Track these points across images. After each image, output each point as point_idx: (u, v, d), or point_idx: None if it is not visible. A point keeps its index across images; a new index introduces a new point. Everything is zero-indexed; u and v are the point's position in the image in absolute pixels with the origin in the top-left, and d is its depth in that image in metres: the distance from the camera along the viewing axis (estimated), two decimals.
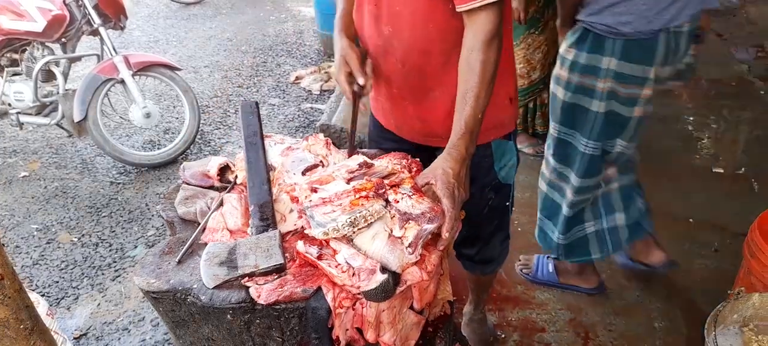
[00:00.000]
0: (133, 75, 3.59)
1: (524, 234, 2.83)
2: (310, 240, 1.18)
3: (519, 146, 3.44)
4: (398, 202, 1.23)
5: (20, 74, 3.74)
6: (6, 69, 3.69)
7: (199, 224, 1.36)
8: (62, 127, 3.80)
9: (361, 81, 1.49)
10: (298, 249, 1.16)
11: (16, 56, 3.73)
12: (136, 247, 3.13)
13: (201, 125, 4.22)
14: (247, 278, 1.17)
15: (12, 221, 3.33)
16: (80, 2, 3.56)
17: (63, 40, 3.65)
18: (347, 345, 1.25)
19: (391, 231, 1.19)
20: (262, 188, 1.31)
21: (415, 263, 1.19)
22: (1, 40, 3.58)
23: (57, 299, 2.80)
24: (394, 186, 1.26)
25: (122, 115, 3.92)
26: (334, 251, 1.14)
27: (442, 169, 1.28)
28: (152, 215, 3.36)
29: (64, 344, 2.34)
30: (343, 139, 3.91)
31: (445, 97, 1.50)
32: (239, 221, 1.36)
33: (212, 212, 1.38)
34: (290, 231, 1.28)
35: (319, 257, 1.12)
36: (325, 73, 5.20)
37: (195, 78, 5.26)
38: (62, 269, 2.97)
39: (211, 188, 1.52)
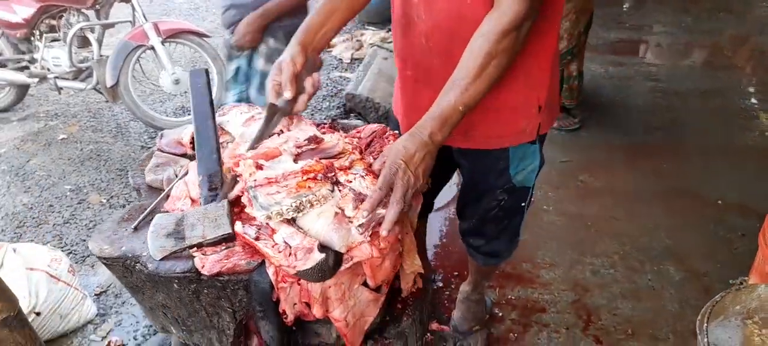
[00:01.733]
0: (162, 42, 3.67)
1: (537, 211, 2.74)
2: (250, 219, 1.17)
3: None
4: (350, 182, 1.20)
5: (58, 40, 3.89)
6: (45, 35, 3.85)
7: (164, 191, 1.37)
8: (99, 92, 3.95)
9: (287, 95, 1.30)
10: (235, 230, 1.15)
11: (54, 22, 3.87)
12: None
13: None
14: (195, 248, 1.18)
15: (49, 182, 3.52)
16: None
17: (97, 6, 3.76)
18: (297, 318, 1.25)
19: (342, 211, 1.16)
20: (210, 157, 1.31)
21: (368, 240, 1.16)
22: (38, 6, 3.72)
23: (83, 256, 2.94)
24: (344, 169, 1.22)
25: (154, 81, 4.02)
26: (273, 230, 1.12)
27: (395, 149, 1.16)
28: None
29: (84, 299, 2.47)
30: (368, 109, 3.88)
31: None
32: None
33: (177, 181, 1.39)
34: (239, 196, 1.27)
35: (257, 238, 1.11)
36: (358, 40, 5.14)
37: None
38: (90, 229, 3.12)
39: (184, 156, 1.53)
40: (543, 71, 1.35)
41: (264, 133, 1.34)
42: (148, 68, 4.03)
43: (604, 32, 4.56)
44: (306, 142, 1.30)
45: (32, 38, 3.89)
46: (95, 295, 2.71)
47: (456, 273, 2.38)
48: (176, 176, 1.42)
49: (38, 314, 2.38)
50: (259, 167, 1.20)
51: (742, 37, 4.47)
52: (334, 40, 5.22)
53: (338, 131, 1.68)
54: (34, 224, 3.07)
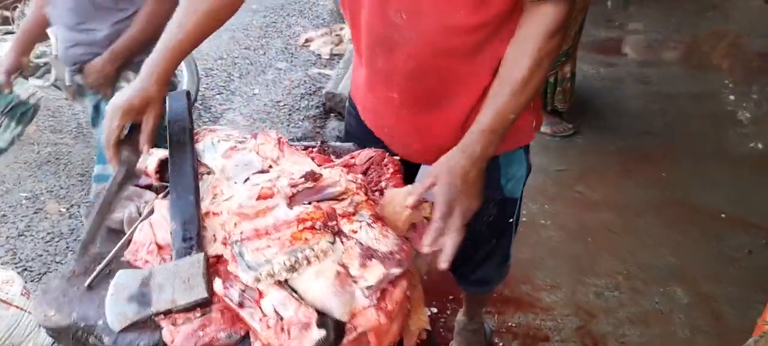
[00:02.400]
0: None
1: (533, 224, 2.58)
2: (232, 277, 0.96)
3: None
4: (356, 232, 1.00)
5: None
6: None
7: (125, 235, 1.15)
8: (58, 89, 3.65)
9: (145, 149, 1.18)
10: (215, 289, 0.94)
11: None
12: None
13: (203, 90, 4.02)
14: (162, 315, 0.96)
15: (1, 189, 3.23)
16: None
17: None
18: None
19: (346, 269, 0.97)
20: (187, 200, 1.09)
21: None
22: None
23: (39, 273, 2.69)
24: (348, 215, 1.03)
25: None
26: (260, 293, 0.92)
27: (447, 167, 1.05)
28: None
29: (36, 328, 2.23)
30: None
31: (464, 102, 1.22)
32: (169, 235, 1.15)
33: (140, 221, 1.17)
34: (222, 255, 1.06)
35: (241, 304, 0.91)
36: (337, 35, 4.91)
37: None
38: (47, 242, 2.85)
39: (149, 187, 1.31)
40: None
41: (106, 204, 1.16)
42: None
43: (594, 30, 4.43)
44: (302, 179, 1.09)
45: None
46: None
47: (451, 297, 2.21)
48: (139, 215, 1.20)
49: None
50: (245, 216, 0.99)
51: (730, 37, 4.39)
52: (312, 34, 4.98)
53: (329, 156, 1.49)
54: None
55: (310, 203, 1.06)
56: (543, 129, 3.18)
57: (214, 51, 4.79)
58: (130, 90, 1.15)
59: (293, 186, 1.09)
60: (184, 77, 3.63)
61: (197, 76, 3.68)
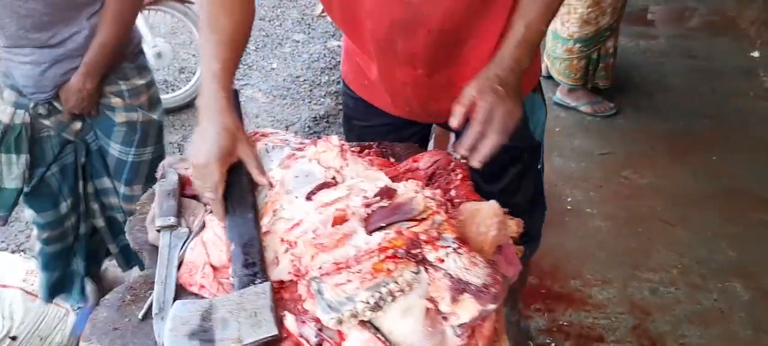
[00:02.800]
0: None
1: (579, 213, 2.45)
2: (304, 313, 0.84)
3: (575, 103, 3.02)
4: (443, 261, 0.87)
5: None
6: None
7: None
8: None
9: (263, 181, 1.02)
10: (287, 326, 0.83)
11: None
12: None
13: None
14: None
15: None
16: None
17: None
18: None
19: (435, 304, 0.84)
20: (245, 218, 0.97)
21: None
22: None
23: None
24: (432, 240, 0.89)
25: None
26: (341, 334, 0.80)
27: (485, 78, 1.05)
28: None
29: (67, 315, 2.17)
30: None
31: (485, 46, 1.19)
32: (224, 255, 1.02)
33: (191, 240, 1.05)
34: (285, 281, 0.94)
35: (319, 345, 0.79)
36: None
37: None
38: None
39: (195, 197, 1.18)
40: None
41: None
42: None
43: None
44: (376, 198, 0.96)
45: None
46: (78, 307, 2.39)
47: None
48: (190, 233, 1.07)
49: (14, 338, 2.09)
50: (323, 248, 0.86)
51: None
52: None
53: (388, 159, 1.35)
54: None
55: (387, 226, 0.93)
56: (583, 108, 3.01)
57: None
58: (210, 136, 1.01)
59: (367, 205, 0.96)
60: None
61: None
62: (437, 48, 1.18)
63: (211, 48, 1.08)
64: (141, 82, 1.78)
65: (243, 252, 0.94)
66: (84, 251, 2.01)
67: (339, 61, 4.12)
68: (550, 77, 3.11)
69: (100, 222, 1.97)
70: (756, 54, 3.59)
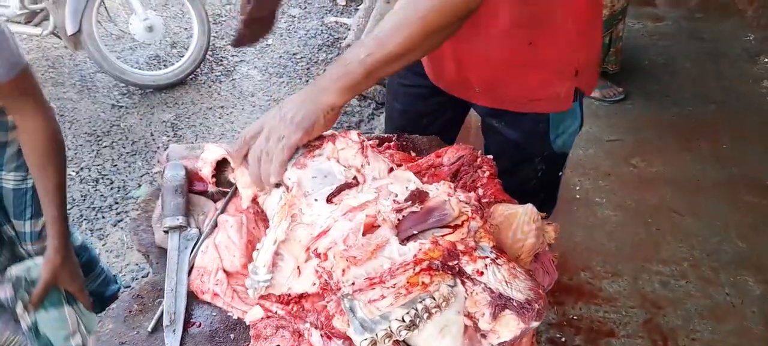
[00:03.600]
0: None
1: (588, 202, 2.40)
2: (331, 329, 0.77)
3: None
4: (482, 273, 0.80)
5: None
6: None
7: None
8: (58, 36, 3.36)
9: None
10: (312, 343, 0.75)
11: None
12: (139, 186, 2.77)
13: (212, 39, 3.72)
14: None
15: None
16: None
17: None
18: None
19: (473, 321, 0.78)
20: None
21: None
22: None
23: None
24: (469, 250, 0.82)
25: (123, 27, 3.43)
26: None
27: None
28: (158, 147, 2.98)
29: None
30: None
31: (484, 38, 1.15)
32: (239, 260, 0.95)
33: (201, 241, 0.97)
34: (306, 293, 0.87)
35: None
36: None
37: None
38: None
39: (204, 193, 1.09)
40: (579, 26, 1.15)
41: None
42: (114, 8, 3.43)
43: None
44: (407, 202, 0.88)
45: None
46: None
47: None
48: (200, 234, 0.99)
49: None
50: (355, 261, 0.78)
51: None
52: None
53: (409, 153, 1.27)
54: None
55: (420, 234, 0.86)
56: (594, 94, 2.94)
57: None
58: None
59: (398, 210, 0.88)
60: (194, 24, 3.35)
61: (208, 23, 3.39)
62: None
63: None
64: None
65: None
66: None
67: (337, 38, 4.01)
68: None
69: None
70: (758, 36, 3.53)
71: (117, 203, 2.68)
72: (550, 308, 1.98)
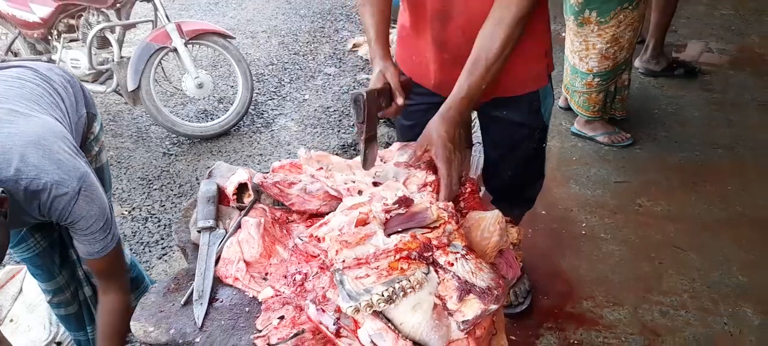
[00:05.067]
0: (185, 43, 3.49)
1: (594, 238, 2.53)
2: (325, 302, 0.98)
3: (593, 134, 3.12)
4: (452, 264, 1.00)
5: (77, 40, 3.71)
6: (63, 35, 3.67)
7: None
8: (119, 94, 3.78)
9: (399, 101, 1.42)
10: (309, 315, 0.96)
11: (72, 22, 3.70)
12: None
13: (255, 95, 4.09)
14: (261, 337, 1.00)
15: None
16: None
17: (117, 5, 3.57)
18: None
19: (442, 301, 0.97)
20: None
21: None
22: (57, 5, 3.54)
23: None
24: (443, 246, 1.02)
25: (176, 84, 3.84)
26: (356, 323, 0.93)
27: (436, 134, 1.30)
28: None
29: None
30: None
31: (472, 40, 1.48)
32: (257, 252, 1.18)
33: (227, 238, 1.21)
34: (311, 274, 1.09)
35: (338, 333, 0.92)
36: None
37: (252, 43, 5.13)
38: None
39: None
40: (544, 24, 1.58)
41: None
42: (169, 69, 3.85)
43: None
44: (395, 205, 1.10)
45: (50, 38, 3.72)
46: None
47: None
48: (226, 233, 1.23)
49: (59, 344, 2.23)
50: (346, 244, 1.00)
51: None
52: (359, 40, 5.01)
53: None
54: None
55: (404, 231, 1.07)
56: (600, 139, 3.11)
57: (265, 56, 4.88)
58: (376, 70, 1.46)
59: (386, 211, 1.10)
60: (239, 83, 3.72)
61: (251, 81, 3.75)
62: (466, 46, 1.41)
63: (367, 19, 1.52)
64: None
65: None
66: (92, 317, 1.94)
67: None
68: (569, 108, 3.23)
69: (88, 291, 1.90)
70: None
71: (163, 239, 2.96)
72: (552, 332, 2.11)
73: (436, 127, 1.31)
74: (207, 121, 3.88)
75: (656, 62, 3.81)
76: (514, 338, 2.10)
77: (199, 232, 1.23)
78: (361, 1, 1.54)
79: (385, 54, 1.49)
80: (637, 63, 3.79)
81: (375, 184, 1.28)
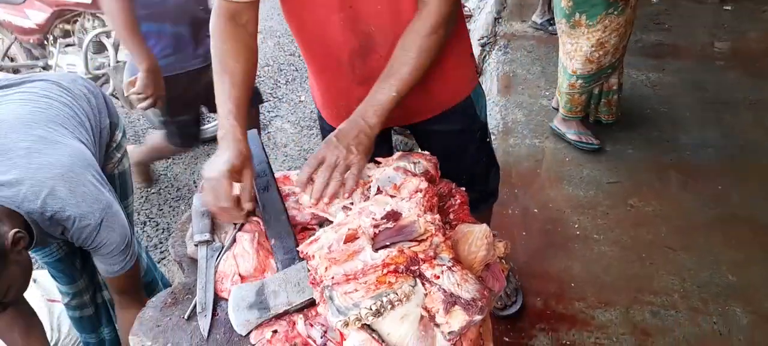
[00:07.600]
0: None
1: (586, 239, 2.57)
2: (314, 317, 1.01)
3: (565, 131, 3.15)
4: (438, 277, 1.03)
5: (73, 46, 3.73)
6: (59, 40, 3.69)
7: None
8: (116, 98, 3.80)
9: (247, 206, 1.23)
10: (298, 329, 1.00)
11: (68, 27, 3.72)
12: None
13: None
14: (282, 317, 1.06)
15: None
16: None
17: None
18: None
19: (429, 313, 1.00)
20: (279, 219, 1.22)
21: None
22: (52, 10, 3.56)
23: None
24: (430, 259, 1.05)
25: None
26: (342, 335, 0.96)
27: (333, 133, 1.30)
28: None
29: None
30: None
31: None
32: (251, 266, 1.21)
33: (222, 254, 1.24)
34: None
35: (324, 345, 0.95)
36: None
37: None
38: None
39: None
40: (463, 31, 1.60)
41: None
42: None
43: (641, 33, 4.33)
44: (383, 219, 1.13)
45: (46, 43, 3.74)
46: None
47: None
48: (222, 247, 1.26)
49: None
50: (335, 261, 1.03)
51: None
52: None
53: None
54: None
55: (391, 245, 1.10)
56: (570, 136, 3.12)
57: (261, 58, 4.89)
58: (225, 155, 1.22)
59: (375, 226, 1.13)
60: None
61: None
62: (382, 65, 1.38)
63: (225, 88, 1.30)
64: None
65: (282, 243, 1.17)
66: (109, 318, 2.02)
67: None
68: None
69: (107, 294, 1.97)
70: (764, 85, 3.66)
71: (161, 242, 2.99)
72: (544, 334, 2.15)
73: (342, 130, 1.29)
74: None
75: (541, 14, 4.49)
76: (507, 339, 2.14)
77: (196, 246, 1.26)
78: (218, 70, 1.33)
79: (242, 137, 1.26)
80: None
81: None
